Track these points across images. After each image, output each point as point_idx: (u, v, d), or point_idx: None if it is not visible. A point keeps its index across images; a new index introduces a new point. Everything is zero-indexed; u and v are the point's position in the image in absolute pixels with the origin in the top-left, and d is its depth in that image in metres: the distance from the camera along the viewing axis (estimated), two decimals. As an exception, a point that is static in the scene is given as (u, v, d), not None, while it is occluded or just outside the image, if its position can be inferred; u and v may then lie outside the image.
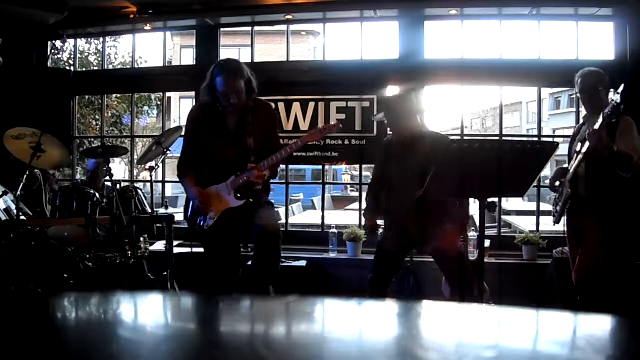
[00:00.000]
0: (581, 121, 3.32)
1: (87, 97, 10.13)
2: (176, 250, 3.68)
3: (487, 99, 21.81)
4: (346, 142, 4.60)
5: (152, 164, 3.78)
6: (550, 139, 8.00)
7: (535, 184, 3.16)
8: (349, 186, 15.39)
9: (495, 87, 4.67)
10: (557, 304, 3.59)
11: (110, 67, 10.84)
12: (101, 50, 9.64)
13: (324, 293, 4.23)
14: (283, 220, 4.83)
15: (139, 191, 3.78)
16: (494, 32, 4.59)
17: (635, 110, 3.14)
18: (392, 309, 1.06)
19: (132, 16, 4.77)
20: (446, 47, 15.91)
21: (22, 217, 3.42)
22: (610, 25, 4.35)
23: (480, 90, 9.60)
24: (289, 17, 4.72)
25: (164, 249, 3.78)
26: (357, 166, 5.03)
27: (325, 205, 5.26)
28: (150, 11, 4.75)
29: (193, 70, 5.08)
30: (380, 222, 3.39)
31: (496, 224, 4.78)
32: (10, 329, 0.80)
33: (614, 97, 2.74)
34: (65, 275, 3.34)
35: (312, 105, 4.64)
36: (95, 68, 11.17)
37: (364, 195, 5.48)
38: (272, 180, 3.14)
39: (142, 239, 3.80)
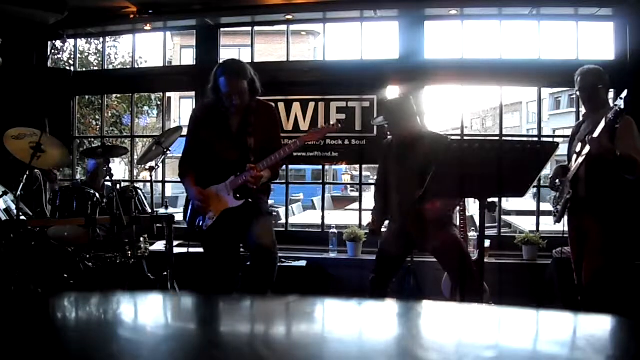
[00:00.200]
0: (580, 119, 3.31)
1: (87, 97, 10.13)
2: (176, 250, 3.68)
3: (487, 99, 21.92)
4: (346, 142, 4.60)
5: (152, 164, 3.77)
6: (550, 139, 8.01)
7: (535, 183, 3.15)
8: (349, 186, 15.44)
9: (495, 87, 4.67)
10: (557, 304, 3.59)
11: (110, 67, 10.84)
12: (101, 50, 9.65)
13: (324, 293, 4.23)
14: (283, 221, 4.82)
15: (139, 191, 3.78)
16: (494, 32, 4.59)
17: (635, 111, 3.13)
18: (392, 309, 1.06)
19: (132, 16, 4.77)
20: (446, 47, 15.97)
21: (22, 217, 3.43)
22: (610, 25, 4.35)
23: (480, 90, 9.62)
24: (289, 17, 4.72)
25: (164, 249, 3.78)
26: (357, 166, 5.03)
27: (325, 205, 5.25)
28: (150, 11, 4.75)
29: (193, 70, 5.10)
30: (383, 228, 3.39)
31: (496, 224, 4.78)
32: (10, 329, 0.80)
33: (618, 102, 2.72)
34: (65, 275, 3.34)
35: (312, 105, 4.64)
36: (95, 68, 11.17)
37: (364, 195, 5.52)
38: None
39: (142, 239, 3.80)
